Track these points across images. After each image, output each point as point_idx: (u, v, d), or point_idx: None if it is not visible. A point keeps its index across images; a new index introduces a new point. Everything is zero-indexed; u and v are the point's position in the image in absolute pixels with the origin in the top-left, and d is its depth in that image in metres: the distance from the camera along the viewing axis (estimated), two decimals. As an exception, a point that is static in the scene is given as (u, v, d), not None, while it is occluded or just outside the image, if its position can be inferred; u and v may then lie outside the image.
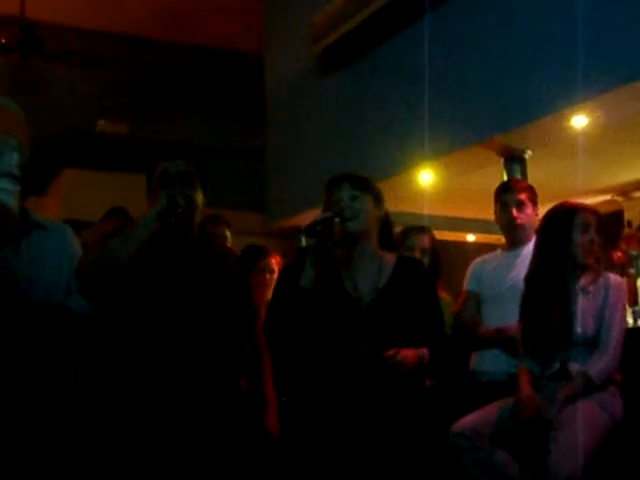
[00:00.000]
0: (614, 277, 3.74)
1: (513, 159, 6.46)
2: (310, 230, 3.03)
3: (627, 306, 5.18)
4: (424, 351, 3.06)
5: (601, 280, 3.67)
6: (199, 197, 3.14)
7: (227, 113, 11.00)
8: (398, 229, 4.41)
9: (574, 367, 3.55)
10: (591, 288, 3.64)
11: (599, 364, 3.51)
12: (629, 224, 6.56)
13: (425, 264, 4.25)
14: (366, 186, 3.24)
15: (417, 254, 4.39)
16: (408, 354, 2.97)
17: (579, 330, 3.56)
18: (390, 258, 3.23)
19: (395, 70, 7.19)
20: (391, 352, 2.95)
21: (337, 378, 3.02)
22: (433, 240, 4.61)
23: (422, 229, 4.59)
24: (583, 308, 3.61)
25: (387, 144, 7.10)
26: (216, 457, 2.94)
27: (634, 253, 6.01)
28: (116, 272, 2.86)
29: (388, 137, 7.13)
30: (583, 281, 3.67)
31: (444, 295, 4.57)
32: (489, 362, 4.17)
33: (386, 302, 3.09)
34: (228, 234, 5.06)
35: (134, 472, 2.87)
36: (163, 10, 9.86)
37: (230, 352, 3.11)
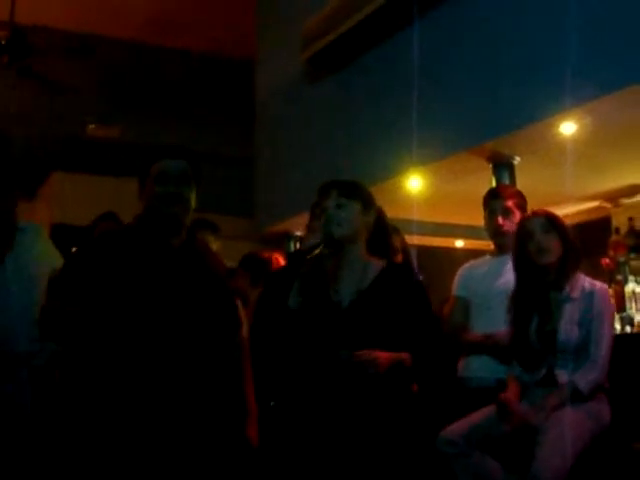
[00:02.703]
0: (600, 285, 3.73)
1: (502, 165, 6.48)
2: (301, 260, 3.10)
3: (615, 313, 5.22)
4: (404, 355, 3.06)
5: (586, 287, 3.67)
6: (193, 199, 3.16)
7: (217, 118, 11.02)
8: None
9: (561, 374, 3.57)
10: (576, 295, 3.65)
11: (588, 377, 3.52)
12: (617, 230, 6.59)
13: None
14: (353, 193, 3.27)
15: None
16: (381, 355, 2.98)
17: (563, 337, 3.58)
18: (378, 263, 3.24)
19: (384, 76, 7.21)
20: (363, 352, 2.97)
21: (317, 382, 3.03)
22: (404, 241, 4.60)
23: (393, 230, 4.56)
24: (567, 315, 3.62)
25: (376, 150, 7.11)
26: (196, 465, 2.94)
27: (622, 259, 6.04)
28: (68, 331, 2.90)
29: (377, 143, 7.14)
30: (568, 288, 3.67)
31: None
32: (477, 368, 4.17)
33: (365, 305, 3.10)
34: (212, 239, 5.04)
35: (116, 475, 2.85)
36: (155, 15, 9.87)
37: (217, 356, 3.11)
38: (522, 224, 3.88)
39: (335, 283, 3.19)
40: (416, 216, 6.72)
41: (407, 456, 3.04)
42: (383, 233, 3.38)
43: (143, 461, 2.85)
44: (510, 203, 4.26)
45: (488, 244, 4.60)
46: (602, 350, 3.56)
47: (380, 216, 3.40)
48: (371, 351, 2.98)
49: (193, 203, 3.16)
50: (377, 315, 3.09)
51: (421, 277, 5.04)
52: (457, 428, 3.59)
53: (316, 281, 3.17)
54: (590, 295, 3.64)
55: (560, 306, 3.66)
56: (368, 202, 3.31)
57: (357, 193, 3.28)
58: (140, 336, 2.93)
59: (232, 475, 3.01)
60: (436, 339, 3.22)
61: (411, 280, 3.29)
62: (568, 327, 3.59)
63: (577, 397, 3.47)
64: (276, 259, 5.27)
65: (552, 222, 3.76)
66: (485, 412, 3.67)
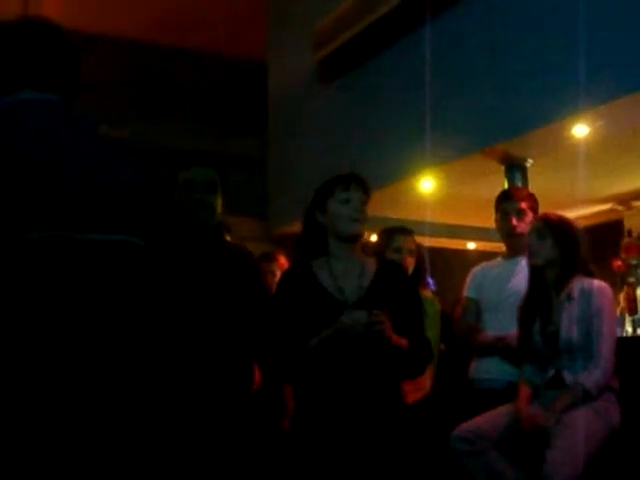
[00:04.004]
0: (598, 283, 3.74)
1: (514, 167, 6.49)
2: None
3: (627, 314, 5.23)
4: (405, 341, 3.08)
5: (585, 286, 3.69)
6: (219, 203, 3.26)
7: (229, 119, 11.02)
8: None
9: (567, 374, 3.58)
10: (575, 295, 3.68)
11: (593, 376, 3.52)
12: (629, 233, 6.58)
13: (412, 265, 4.34)
14: (370, 194, 3.30)
15: (405, 255, 4.39)
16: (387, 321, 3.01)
17: (564, 337, 3.61)
18: (371, 262, 3.26)
19: (397, 78, 7.22)
20: (376, 313, 2.98)
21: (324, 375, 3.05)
22: (417, 243, 4.63)
23: (406, 231, 4.59)
24: (567, 315, 3.65)
25: (389, 151, 7.12)
26: (231, 459, 2.97)
27: (634, 262, 6.03)
28: None
29: (390, 144, 7.15)
30: (567, 290, 3.71)
31: (427, 294, 4.59)
32: (488, 370, 4.18)
33: (372, 299, 3.12)
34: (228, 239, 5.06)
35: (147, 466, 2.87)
36: (167, 15, 9.89)
37: (254, 351, 3.15)
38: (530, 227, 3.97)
39: (335, 281, 3.20)
40: (428, 218, 6.74)
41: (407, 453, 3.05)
42: None
43: (179, 451, 2.89)
44: (523, 205, 4.26)
45: (500, 246, 4.61)
46: (604, 348, 3.57)
47: None
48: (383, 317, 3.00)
49: (219, 209, 3.27)
50: (383, 310, 3.10)
51: (433, 279, 5.08)
52: (470, 426, 3.60)
53: (305, 269, 3.20)
54: (588, 293, 3.67)
55: (561, 307, 3.70)
56: None
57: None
58: (177, 328, 2.98)
59: (266, 467, 3.04)
60: (423, 335, 3.24)
61: (404, 277, 3.33)
62: (568, 326, 3.62)
63: (585, 397, 3.48)
64: (282, 260, 5.26)
65: (549, 226, 3.81)
66: (499, 411, 3.68)
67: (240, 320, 3.16)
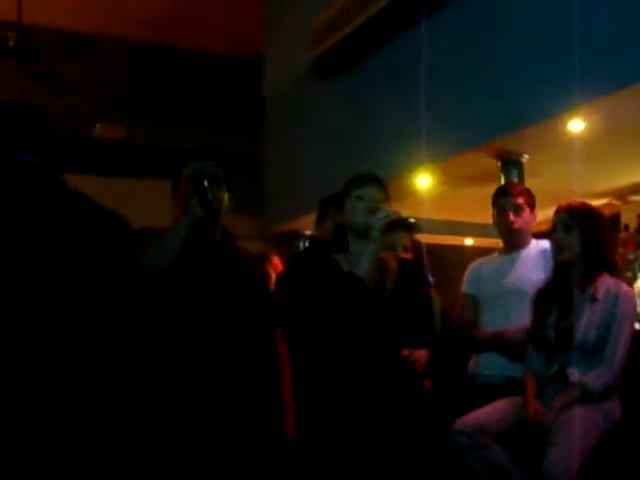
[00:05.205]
0: (626, 288, 3.66)
1: (510, 163, 6.47)
2: (394, 225, 3.21)
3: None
4: (426, 353, 3.10)
5: (611, 289, 3.60)
6: (225, 199, 3.24)
7: (224, 117, 11.01)
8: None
9: (572, 372, 3.55)
10: (599, 296, 3.58)
11: (602, 379, 3.49)
12: (626, 228, 6.58)
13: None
14: (387, 191, 3.40)
15: (399, 252, 4.39)
16: (421, 354, 3.03)
17: (580, 337, 3.54)
18: (389, 258, 3.27)
19: (392, 75, 7.21)
20: (407, 352, 3.00)
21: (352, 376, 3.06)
22: (415, 239, 4.62)
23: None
24: (588, 315, 3.57)
25: (385, 148, 7.11)
26: (231, 461, 2.96)
27: (631, 257, 6.02)
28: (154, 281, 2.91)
29: (386, 141, 7.14)
30: (592, 288, 3.60)
31: (431, 291, 4.59)
32: (486, 365, 4.18)
33: (395, 303, 3.13)
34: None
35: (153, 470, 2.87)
36: (161, 14, 9.87)
37: (254, 353, 3.14)
38: (553, 217, 3.81)
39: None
40: (425, 214, 6.72)
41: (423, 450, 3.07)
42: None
43: (179, 457, 2.89)
44: (520, 200, 4.25)
45: (497, 242, 4.61)
46: (618, 353, 3.52)
47: None
48: (412, 350, 3.03)
49: (226, 203, 3.24)
50: (403, 314, 3.12)
51: (432, 276, 5.08)
52: (470, 419, 3.58)
53: (330, 265, 3.21)
54: (615, 298, 3.57)
55: (582, 305, 3.61)
56: None
57: None
58: (180, 333, 3.00)
59: (268, 472, 3.03)
60: (437, 333, 3.29)
61: (422, 278, 3.36)
62: (587, 327, 3.54)
63: (588, 398, 3.45)
64: (276, 261, 5.24)
65: (574, 218, 3.67)
66: (500, 404, 3.66)
67: (239, 322, 3.15)
